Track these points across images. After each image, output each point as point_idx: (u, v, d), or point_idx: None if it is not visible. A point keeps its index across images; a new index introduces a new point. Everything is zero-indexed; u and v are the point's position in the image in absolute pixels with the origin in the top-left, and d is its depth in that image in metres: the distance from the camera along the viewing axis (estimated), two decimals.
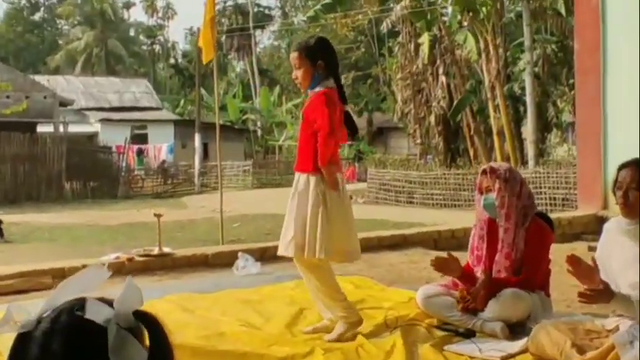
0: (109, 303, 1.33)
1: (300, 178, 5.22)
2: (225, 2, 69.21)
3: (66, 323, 1.31)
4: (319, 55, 5.29)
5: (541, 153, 24.40)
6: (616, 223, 4.41)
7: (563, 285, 6.12)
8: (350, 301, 5.39)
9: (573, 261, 4.09)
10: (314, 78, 5.25)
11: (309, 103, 5.27)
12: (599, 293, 4.06)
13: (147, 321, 1.37)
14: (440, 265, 5.36)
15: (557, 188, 19.19)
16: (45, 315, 1.34)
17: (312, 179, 5.13)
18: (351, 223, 5.36)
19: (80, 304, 1.32)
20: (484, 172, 5.44)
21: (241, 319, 5.57)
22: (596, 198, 11.15)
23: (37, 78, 41.65)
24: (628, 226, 4.28)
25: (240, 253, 8.30)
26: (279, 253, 5.35)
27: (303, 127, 5.32)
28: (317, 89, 5.25)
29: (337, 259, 5.40)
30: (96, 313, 1.30)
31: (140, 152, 41.47)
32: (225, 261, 8.45)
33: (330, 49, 5.50)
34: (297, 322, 5.56)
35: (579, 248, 9.31)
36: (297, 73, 5.29)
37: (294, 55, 5.35)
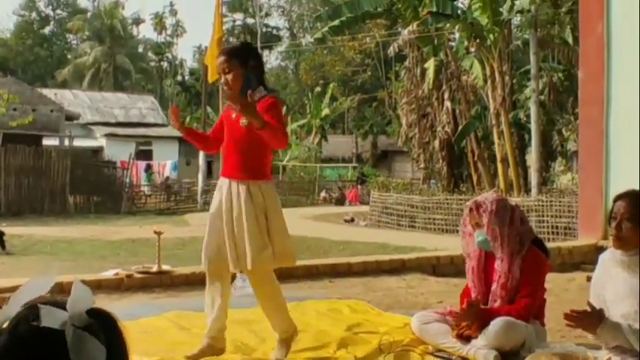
0: (62, 306, 1.37)
1: (238, 186, 5.02)
2: (234, 22, 69.71)
3: (24, 334, 1.35)
4: (248, 57, 5.16)
5: (545, 181, 24.46)
6: (611, 254, 4.44)
7: (559, 315, 6.11)
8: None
9: (572, 318, 4.08)
10: (246, 81, 5.07)
11: (257, 108, 4.95)
12: (587, 316, 4.07)
13: (101, 318, 1.41)
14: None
15: (560, 217, 19.19)
16: (4, 326, 1.38)
17: (254, 187, 5.00)
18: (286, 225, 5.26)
19: (35, 311, 1.36)
20: (470, 209, 5.44)
21: (236, 340, 5.58)
22: (597, 228, 11.14)
23: (45, 91, 41.80)
24: (622, 257, 4.30)
25: (238, 273, 8.30)
26: (234, 269, 5.20)
27: (243, 132, 5.05)
28: (259, 95, 5.05)
29: (289, 262, 5.35)
30: (51, 319, 1.34)
31: (148, 168, 41.62)
32: None
33: (257, 52, 5.47)
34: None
35: (578, 278, 9.31)
36: (227, 77, 5.07)
37: (221, 59, 5.15)
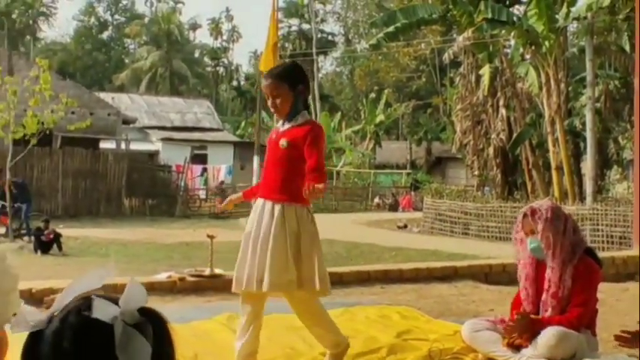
0: (115, 301, 1.39)
1: (273, 207, 4.94)
2: (289, 27, 69.94)
3: (75, 322, 1.38)
4: (298, 80, 5.07)
5: (600, 189, 24.14)
6: None
7: (611, 325, 6.07)
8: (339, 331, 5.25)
9: (621, 338, 4.04)
10: (294, 104, 5.02)
11: (298, 132, 4.97)
12: (638, 336, 4.03)
13: (151, 317, 1.42)
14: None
15: (615, 226, 18.95)
16: (55, 314, 1.41)
17: (289, 210, 4.91)
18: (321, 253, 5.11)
19: (87, 303, 1.39)
20: (525, 215, 5.38)
21: (285, 345, 5.62)
22: None
23: (102, 95, 42.37)
24: None
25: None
26: (264, 288, 4.91)
27: (282, 154, 5.01)
28: (302, 119, 5.03)
29: (316, 291, 5.03)
30: (103, 312, 1.36)
31: (204, 171, 41.95)
32: None
33: (305, 74, 5.33)
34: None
35: (632, 288, 9.20)
36: (276, 102, 5.00)
37: (269, 82, 5.07)
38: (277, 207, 4.92)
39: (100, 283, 1.46)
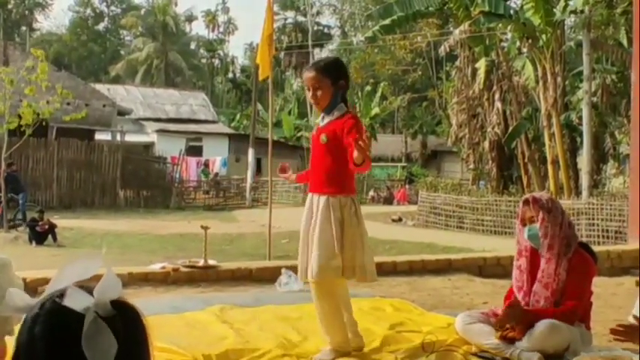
0: (91, 292, 1.37)
1: (319, 200, 5.09)
2: (285, 20, 69.79)
3: (48, 309, 1.37)
4: (340, 75, 5.15)
5: (596, 184, 24.18)
6: None
7: (606, 319, 6.07)
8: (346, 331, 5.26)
9: (617, 332, 4.02)
10: (333, 98, 5.09)
11: (336, 125, 5.04)
12: (634, 330, 4.01)
13: (124, 311, 1.40)
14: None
15: (611, 220, 18.98)
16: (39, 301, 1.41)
17: (334, 201, 5.03)
18: (368, 242, 5.24)
19: (64, 291, 1.37)
20: (526, 202, 5.38)
21: (279, 335, 5.61)
22: None
23: (98, 86, 42.29)
24: None
25: (283, 269, 8.34)
26: (302, 278, 5.34)
27: (323, 149, 5.12)
28: (339, 113, 5.08)
29: (362, 278, 5.24)
30: (75, 301, 1.35)
31: (205, 167, 41.95)
32: (269, 276, 8.49)
33: (346, 70, 5.42)
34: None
35: (627, 282, 9.20)
36: (317, 94, 5.07)
37: (311, 75, 5.12)
38: (322, 199, 5.06)
39: (88, 272, 1.43)
